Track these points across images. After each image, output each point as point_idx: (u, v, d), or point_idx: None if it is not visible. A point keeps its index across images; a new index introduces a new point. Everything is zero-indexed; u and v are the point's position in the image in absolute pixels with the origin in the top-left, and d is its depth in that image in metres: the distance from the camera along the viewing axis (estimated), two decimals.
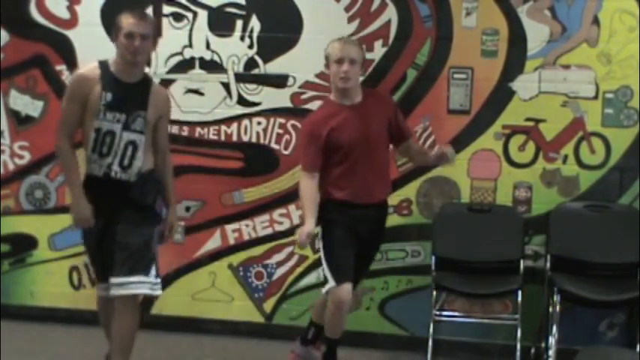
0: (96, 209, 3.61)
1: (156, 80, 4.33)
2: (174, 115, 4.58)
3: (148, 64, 4.40)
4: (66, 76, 4.82)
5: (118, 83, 3.55)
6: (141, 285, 3.58)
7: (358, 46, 3.94)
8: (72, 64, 4.74)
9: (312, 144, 3.82)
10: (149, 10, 4.71)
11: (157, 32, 3.74)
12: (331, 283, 3.78)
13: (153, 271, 3.64)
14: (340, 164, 3.82)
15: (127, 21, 3.51)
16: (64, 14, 4.81)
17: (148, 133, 3.61)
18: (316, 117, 3.97)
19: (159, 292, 3.73)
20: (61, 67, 4.82)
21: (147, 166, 3.67)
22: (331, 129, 3.79)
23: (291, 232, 4.67)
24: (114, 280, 3.58)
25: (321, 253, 3.91)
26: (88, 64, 3.70)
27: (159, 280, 3.70)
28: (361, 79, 4.30)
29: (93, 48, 4.44)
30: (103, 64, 3.55)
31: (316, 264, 4.63)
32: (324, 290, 3.87)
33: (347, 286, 3.77)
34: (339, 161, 3.82)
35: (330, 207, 3.90)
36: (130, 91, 3.59)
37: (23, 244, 5.04)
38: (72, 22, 4.83)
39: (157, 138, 3.69)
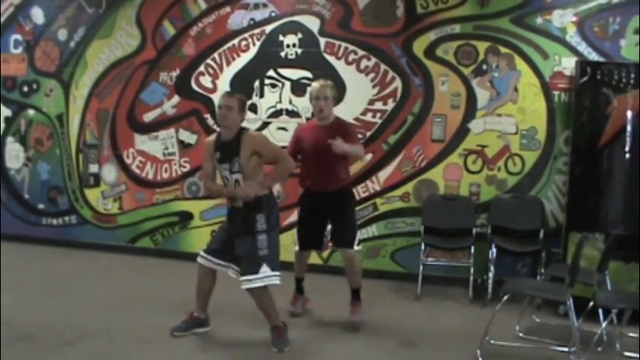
0: (230, 221, 4.20)
1: (258, 124, 5.79)
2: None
3: (255, 112, 5.86)
4: (210, 121, 6.11)
5: (222, 143, 4.13)
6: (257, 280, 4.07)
7: (330, 86, 4.54)
8: (213, 114, 5.77)
9: (293, 140, 4.66)
10: (257, 82, 6.07)
11: (242, 106, 4.17)
12: (296, 247, 4.72)
13: (263, 268, 4.05)
14: (308, 163, 4.56)
15: (219, 99, 4.09)
16: (210, 85, 6.25)
17: (247, 169, 4.05)
18: (303, 127, 4.78)
19: (275, 281, 4.09)
20: (207, 116, 6.22)
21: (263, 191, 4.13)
22: (305, 137, 4.54)
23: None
24: (241, 278, 4.10)
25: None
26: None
27: (273, 273, 4.07)
28: (379, 122, 5.45)
29: None
30: (219, 133, 4.20)
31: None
32: (297, 248, 4.72)
33: (306, 253, 4.74)
34: (306, 160, 4.56)
35: (303, 193, 4.70)
36: (228, 147, 4.10)
37: (185, 217, 6.44)
38: (213, 89, 6.21)
39: (270, 159, 4.14)
